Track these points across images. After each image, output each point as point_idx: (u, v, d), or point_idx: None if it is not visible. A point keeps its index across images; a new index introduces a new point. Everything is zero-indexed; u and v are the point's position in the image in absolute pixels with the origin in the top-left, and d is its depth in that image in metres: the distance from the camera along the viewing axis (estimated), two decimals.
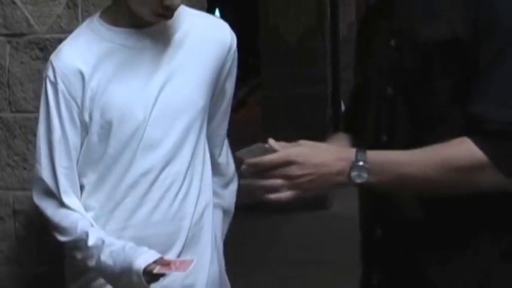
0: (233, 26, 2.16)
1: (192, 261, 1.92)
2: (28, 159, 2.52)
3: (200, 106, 2.05)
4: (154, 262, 1.90)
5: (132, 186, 2.01)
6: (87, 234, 1.97)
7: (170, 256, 1.99)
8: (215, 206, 2.17)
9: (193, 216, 2.06)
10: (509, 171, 1.52)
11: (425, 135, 1.62)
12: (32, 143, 2.50)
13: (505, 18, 1.56)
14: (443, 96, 1.60)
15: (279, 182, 1.58)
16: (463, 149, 1.54)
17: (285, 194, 1.59)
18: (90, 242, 1.97)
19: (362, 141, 1.75)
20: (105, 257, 1.95)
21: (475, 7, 1.57)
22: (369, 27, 1.82)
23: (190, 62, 2.04)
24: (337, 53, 7.39)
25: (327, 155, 1.59)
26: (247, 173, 1.61)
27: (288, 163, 1.56)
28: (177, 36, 2.04)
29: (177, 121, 2.02)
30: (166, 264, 1.90)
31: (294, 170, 1.57)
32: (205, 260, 2.11)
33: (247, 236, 4.62)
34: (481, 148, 1.52)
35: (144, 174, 2.00)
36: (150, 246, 1.96)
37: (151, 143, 2.00)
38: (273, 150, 1.58)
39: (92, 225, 2.01)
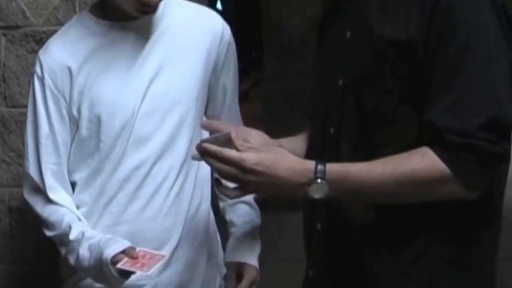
0: (235, 18, 2.15)
1: (161, 257, 1.89)
2: (23, 155, 2.51)
3: (193, 98, 2.05)
4: (123, 252, 1.89)
5: (125, 180, 2.02)
6: (70, 228, 2.00)
7: (165, 251, 1.99)
8: (238, 201, 2.17)
9: (188, 211, 2.07)
10: (470, 184, 1.53)
11: (370, 133, 1.62)
12: None
13: (462, 23, 1.54)
14: (391, 96, 1.59)
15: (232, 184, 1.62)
16: (425, 162, 1.53)
17: (234, 193, 1.62)
18: (72, 235, 1.99)
19: (313, 134, 1.77)
20: (84, 251, 1.96)
21: (429, 9, 1.55)
22: (328, 19, 1.82)
23: (180, 54, 2.05)
24: None
25: (285, 167, 1.58)
26: (198, 151, 1.63)
27: (244, 169, 1.57)
28: (167, 27, 2.05)
29: (169, 114, 2.02)
30: (135, 257, 1.88)
31: (249, 177, 1.58)
32: (202, 258, 2.11)
33: None
34: (444, 161, 1.52)
35: (136, 168, 2.01)
36: (145, 242, 1.97)
37: (142, 136, 2.01)
38: (233, 144, 1.60)
39: (80, 220, 2.02)
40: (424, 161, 1.54)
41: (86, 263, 1.96)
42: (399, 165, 1.54)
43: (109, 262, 1.89)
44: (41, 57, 2.06)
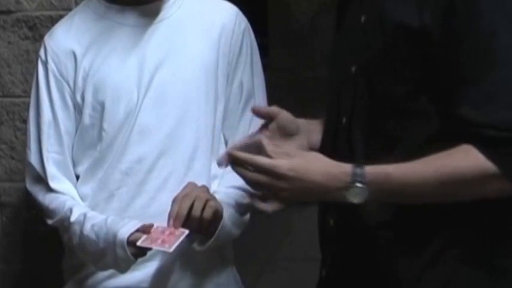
0: (240, 3, 2.14)
1: (181, 233, 1.88)
2: (16, 148, 2.52)
3: (199, 90, 2.04)
4: (137, 230, 1.90)
5: (127, 173, 2.02)
6: (71, 211, 2.00)
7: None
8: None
9: None
10: None
11: (384, 123, 1.61)
12: (20, 131, 2.50)
13: (485, 9, 1.51)
14: (404, 85, 1.58)
15: (266, 193, 1.60)
16: (470, 160, 1.52)
17: (271, 206, 1.61)
18: (73, 217, 1.99)
19: (326, 124, 1.77)
20: (87, 232, 1.96)
21: (448, 6, 1.53)
22: (344, 4, 1.81)
23: (190, 44, 2.05)
24: None
25: (320, 172, 1.57)
26: (228, 159, 1.63)
27: (277, 176, 1.56)
28: (178, 16, 2.05)
29: (173, 106, 2.02)
30: (150, 232, 1.88)
31: (282, 184, 1.57)
32: (213, 260, 2.09)
33: (256, 232, 4.61)
34: (489, 158, 1.51)
35: (139, 161, 2.01)
36: None
37: (146, 127, 2.01)
38: (264, 151, 1.59)
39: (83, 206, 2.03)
40: (468, 159, 1.52)
41: (93, 246, 1.96)
42: (441, 164, 1.53)
43: (125, 242, 1.89)
44: (46, 41, 2.08)
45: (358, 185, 1.54)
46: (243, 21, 2.12)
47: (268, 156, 1.58)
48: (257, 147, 1.61)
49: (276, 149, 1.60)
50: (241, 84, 2.11)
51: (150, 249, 1.89)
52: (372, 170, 1.55)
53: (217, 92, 2.07)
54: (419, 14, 1.55)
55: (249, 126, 2.07)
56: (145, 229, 1.89)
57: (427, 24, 1.54)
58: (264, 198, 1.61)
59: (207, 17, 2.08)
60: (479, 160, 1.52)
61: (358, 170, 1.55)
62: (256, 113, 1.85)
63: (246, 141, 1.68)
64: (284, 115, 1.78)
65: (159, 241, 1.86)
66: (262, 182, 1.58)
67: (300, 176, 1.56)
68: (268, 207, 1.61)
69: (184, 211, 1.88)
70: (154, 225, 1.89)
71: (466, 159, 1.53)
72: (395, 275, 1.63)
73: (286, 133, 1.78)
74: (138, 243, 1.87)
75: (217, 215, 1.94)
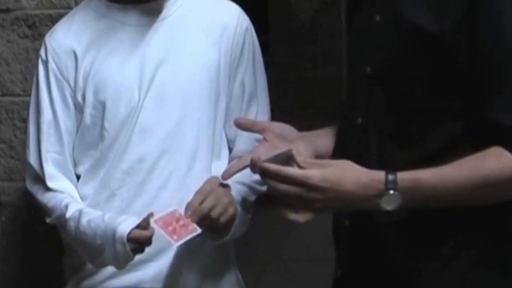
0: (240, 0, 2.14)
1: (194, 230, 1.88)
2: (15, 147, 2.52)
3: (199, 91, 2.03)
4: (137, 227, 1.90)
5: (128, 173, 2.02)
6: (66, 208, 2.01)
7: (171, 255, 2.00)
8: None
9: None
10: None
11: (403, 124, 1.61)
12: (19, 130, 2.50)
13: (507, 12, 1.51)
14: (422, 87, 1.58)
15: (299, 204, 1.59)
16: (503, 164, 1.53)
17: (303, 217, 1.60)
18: (68, 214, 2.00)
19: (340, 125, 1.76)
20: (83, 227, 1.97)
21: (470, 9, 1.52)
22: (356, 3, 1.80)
23: (191, 43, 2.05)
24: None
25: (352, 181, 1.56)
26: (258, 171, 1.61)
27: (310, 187, 1.55)
28: (178, 14, 2.05)
29: (176, 105, 2.02)
30: (147, 229, 1.88)
31: (315, 195, 1.56)
32: (216, 261, 2.09)
33: (258, 231, 4.61)
34: None
35: (140, 160, 2.01)
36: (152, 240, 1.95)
37: (147, 126, 2.01)
38: (294, 162, 1.58)
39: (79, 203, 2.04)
40: (501, 163, 1.53)
41: (90, 243, 1.96)
42: (474, 168, 1.53)
43: (125, 238, 1.89)
44: (46, 40, 2.08)
45: (392, 192, 1.54)
46: (245, 21, 2.11)
47: (299, 167, 1.57)
48: (287, 158, 1.59)
49: (306, 160, 1.59)
50: (242, 83, 2.11)
51: (148, 243, 1.90)
52: (404, 177, 1.55)
53: (218, 91, 2.07)
54: (438, 19, 1.55)
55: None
56: (145, 225, 1.89)
57: (447, 29, 1.54)
58: (295, 209, 1.60)
59: (209, 16, 2.08)
60: (511, 163, 1.52)
61: (391, 177, 1.54)
62: (237, 125, 1.87)
63: (276, 153, 1.64)
64: (275, 124, 1.78)
65: (171, 228, 1.87)
66: (294, 194, 1.56)
67: (333, 186, 1.55)
68: (300, 218, 1.61)
69: (205, 210, 1.90)
70: (172, 208, 1.90)
71: (498, 163, 1.53)
72: (411, 275, 1.63)
73: (286, 139, 1.78)
74: (152, 220, 1.87)
75: (233, 220, 1.96)
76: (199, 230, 1.89)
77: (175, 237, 1.85)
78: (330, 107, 6.16)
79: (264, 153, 1.71)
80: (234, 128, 2.04)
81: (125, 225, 1.91)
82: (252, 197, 2.06)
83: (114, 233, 1.91)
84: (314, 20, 6.45)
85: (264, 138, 1.82)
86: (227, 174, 1.86)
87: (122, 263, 1.96)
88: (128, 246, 1.90)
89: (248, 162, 1.69)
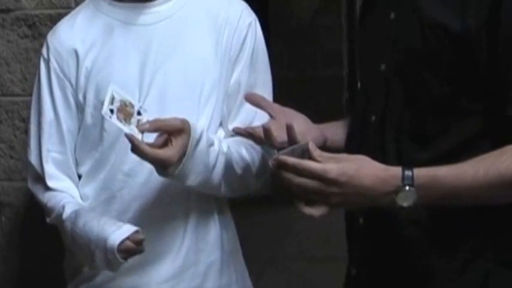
0: None
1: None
2: (15, 147, 2.52)
3: (205, 90, 2.03)
4: (128, 238, 1.90)
5: (129, 175, 2.01)
6: (63, 208, 2.01)
7: (173, 257, 2.01)
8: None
9: (199, 212, 2.05)
10: None
11: (420, 122, 1.61)
12: (19, 129, 2.50)
13: None
14: (441, 85, 1.58)
15: (315, 198, 1.57)
16: None
17: (318, 211, 1.58)
18: (65, 214, 2.00)
19: (352, 122, 1.75)
20: (79, 230, 1.96)
21: (492, 8, 1.52)
22: (369, 0, 1.80)
23: (192, 42, 2.04)
24: (353, 31, 7.36)
25: (370, 175, 1.55)
26: (274, 164, 1.59)
27: (328, 181, 1.54)
28: (181, 14, 2.04)
29: (177, 105, 2.01)
30: (140, 243, 1.89)
31: (333, 189, 1.55)
32: (215, 262, 2.09)
33: (258, 230, 4.60)
34: None
35: (141, 162, 1.97)
36: (152, 244, 1.96)
37: None
38: (309, 156, 1.57)
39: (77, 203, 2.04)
40: None
41: (83, 246, 1.96)
42: (492, 166, 1.52)
43: (115, 250, 1.89)
44: (48, 40, 2.08)
45: (407, 188, 1.53)
46: (249, 16, 2.08)
47: (315, 161, 1.56)
48: (303, 152, 1.58)
49: (323, 154, 1.57)
50: (238, 80, 2.07)
51: (140, 252, 1.90)
52: (421, 173, 1.54)
53: (219, 90, 2.06)
54: (461, 16, 1.54)
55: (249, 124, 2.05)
56: (133, 238, 1.89)
57: (471, 27, 1.53)
58: (310, 203, 1.58)
59: (212, 14, 2.06)
60: None
61: (407, 173, 1.53)
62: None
63: (293, 146, 1.62)
64: (287, 110, 1.77)
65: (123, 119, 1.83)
66: (312, 187, 1.55)
67: (350, 181, 1.54)
68: (315, 212, 1.58)
69: (164, 122, 1.85)
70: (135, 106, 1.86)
71: None
72: (430, 275, 1.63)
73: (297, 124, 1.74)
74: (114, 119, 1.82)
75: (183, 149, 1.88)
76: (135, 132, 1.84)
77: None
78: (329, 106, 6.17)
79: (277, 129, 1.71)
80: (231, 126, 2.04)
81: (117, 235, 1.90)
82: (222, 158, 2.00)
83: (105, 242, 1.91)
84: (314, 20, 6.45)
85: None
86: (237, 130, 1.87)
87: (115, 269, 1.97)
88: (118, 256, 1.90)
89: (259, 133, 1.69)
